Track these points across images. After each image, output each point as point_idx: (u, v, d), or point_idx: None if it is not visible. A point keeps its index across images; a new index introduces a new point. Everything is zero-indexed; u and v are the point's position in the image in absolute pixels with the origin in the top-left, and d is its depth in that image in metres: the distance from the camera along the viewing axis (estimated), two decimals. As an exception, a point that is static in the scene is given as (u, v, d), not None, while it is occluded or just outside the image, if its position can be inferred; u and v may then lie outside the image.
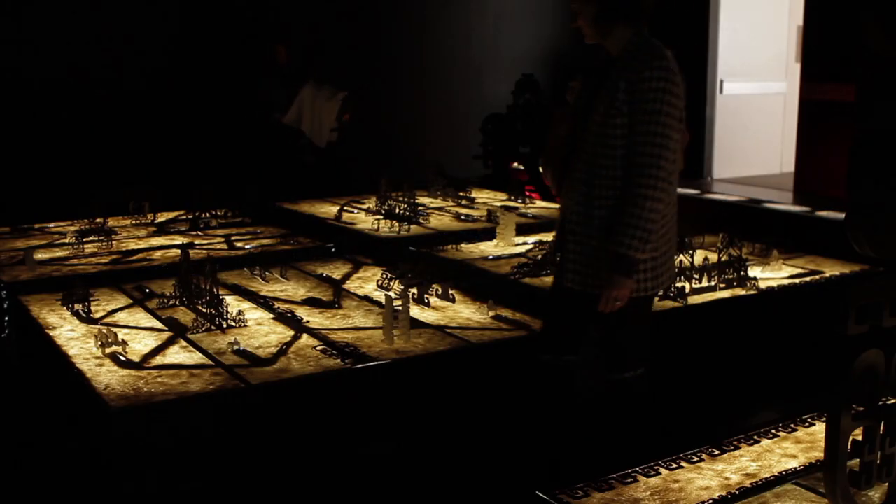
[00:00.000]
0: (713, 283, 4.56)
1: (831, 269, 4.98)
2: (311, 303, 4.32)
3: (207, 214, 6.21)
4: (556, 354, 3.29)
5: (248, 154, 7.87)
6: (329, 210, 6.65)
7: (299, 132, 8.06)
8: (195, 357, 3.56)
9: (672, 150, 2.91)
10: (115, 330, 3.73)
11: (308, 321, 4.04)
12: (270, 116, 8.02)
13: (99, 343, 3.62)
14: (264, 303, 4.30)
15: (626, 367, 3.20)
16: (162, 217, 6.25)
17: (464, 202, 6.97)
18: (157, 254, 5.21)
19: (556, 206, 7.02)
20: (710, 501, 2.52)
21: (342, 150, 8.18)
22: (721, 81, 10.18)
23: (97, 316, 4.09)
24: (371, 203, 6.79)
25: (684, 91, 2.99)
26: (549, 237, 5.50)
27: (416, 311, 4.14)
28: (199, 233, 5.85)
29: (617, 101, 2.93)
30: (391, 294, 4.31)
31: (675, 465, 2.75)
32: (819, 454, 2.68)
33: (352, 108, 8.14)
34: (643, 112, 2.90)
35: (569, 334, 3.29)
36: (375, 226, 5.93)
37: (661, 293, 3.66)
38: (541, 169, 3.37)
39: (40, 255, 5.14)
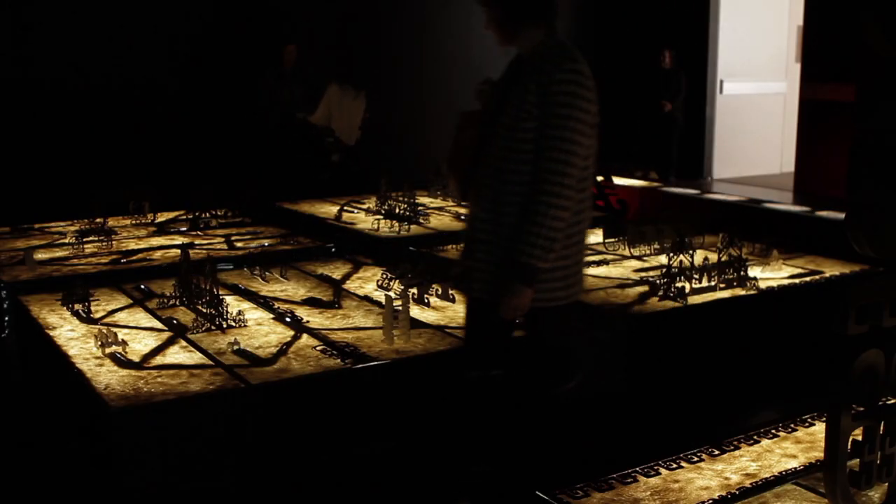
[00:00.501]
0: (713, 283, 4.56)
1: (831, 269, 4.98)
2: (311, 303, 4.32)
3: (207, 214, 6.21)
4: (483, 370, 3.07)
5: (264, 154, 7.92)
6: (329, 210, 6.65)
7: (326, 130, 8.18)
8: (195, 357, 3.56)
9: (582, 156, 2.77)
10: (115, 330, 3.73)
11: (308, 321, 4.03)
12: (295, 116, 8.12)
13: (99, 343, 3.62)
14: (264, 303, 4.30)
15: (555, 380, 3.02)
16: (162, 217, 6.25)
17: (464, 202, 6.96)
18: (157, 254, 5.21)
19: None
20: (710, 501, 2.52)
21: (366, 148, 8.36)
22: (721, 81, 10.18)
23: (97, 316, 4.09)
24: (371, 203, 6.79)
25: (596, 95, 2.86)
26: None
27: (416, 311, 4.14)
28: (199, 233, 5.85)
29: (526, 104, 2.79)
30: (391, 294, 4.31)
31: (675, 465, 2.75)
32: (819, 454, 2.68)
33: (367, 107, 8.33)
34: (552, 116, 2.76)
35: (491, 348, 3.08)
36: (375, 226, 5.93)
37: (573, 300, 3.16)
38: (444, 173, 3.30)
39: (40, 255, 5.14)
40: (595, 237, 5.74)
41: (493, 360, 3.08)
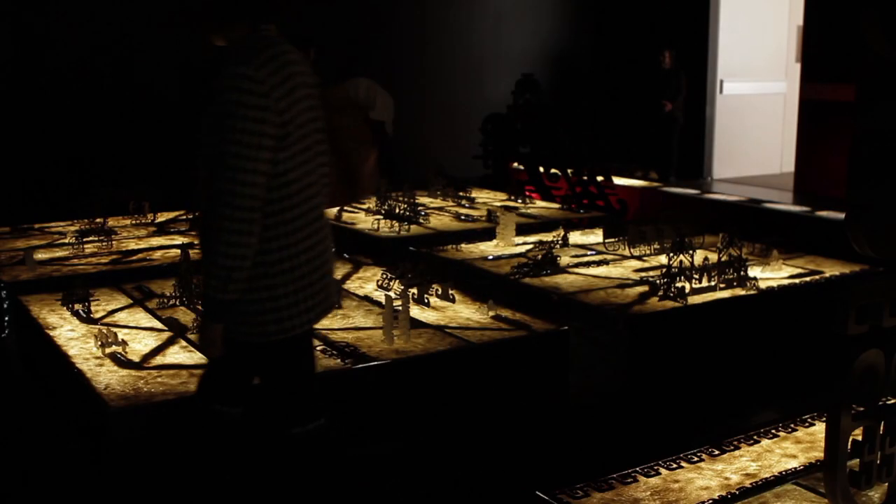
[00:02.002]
0: (713, 283, 4.56)
1: (831, 269, 4.98)
2: (311, 303, 4.32)
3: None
4: (225, 404, 2.78)
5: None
6: (329, 210, 6.64)
7: (378, 125, 8.39)
8: (195, 357, 3.55)
9: (261, 172, 2.39)
10: (115, 330, 3.73)
11: (308, 321, 4.03)
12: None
13: (99, 343, 3.62)
14: (264, 303, 4.29)
15: (291, 422, 2.72)
16: (162, 217, 6.25)
17: (464, 202, 6.97)
18: (157, 254, 5.21)
19: (557, 206, 7.05)
20: (710, 501, 2.52)
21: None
22: (721, 81, 10.19)
23: (97, 316, 4.09)
24: (371, 203, 6.79)
25: (290, 101, 2.48)
26: (549, 237, 5.51)
27: (416, 311, 4.14)
28: (199, 233, 5.84)
29: (206, 115, 2.48)
30: (391, 294, 4.31)
31: (675, 465, 2.75)
32: (819, 454, 2.68)
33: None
34: (218, 129, 2.41)
35: (230, 383, 2.81)
36: (375, 226, 5.93)
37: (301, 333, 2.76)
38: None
39: (40, 255, 5.14)
40: (595, 237, 5.74)
41: (233, 397, 2.80)
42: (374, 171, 2.95)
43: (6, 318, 4.62)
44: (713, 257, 4.83)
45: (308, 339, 2.75)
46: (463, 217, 6.35)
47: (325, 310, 2.71)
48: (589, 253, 5.31)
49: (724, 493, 2.56)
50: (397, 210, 6.32)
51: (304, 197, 2.54)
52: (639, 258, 5.20)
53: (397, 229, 5.85)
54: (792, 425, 3.03)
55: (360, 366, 3.50)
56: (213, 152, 2.43)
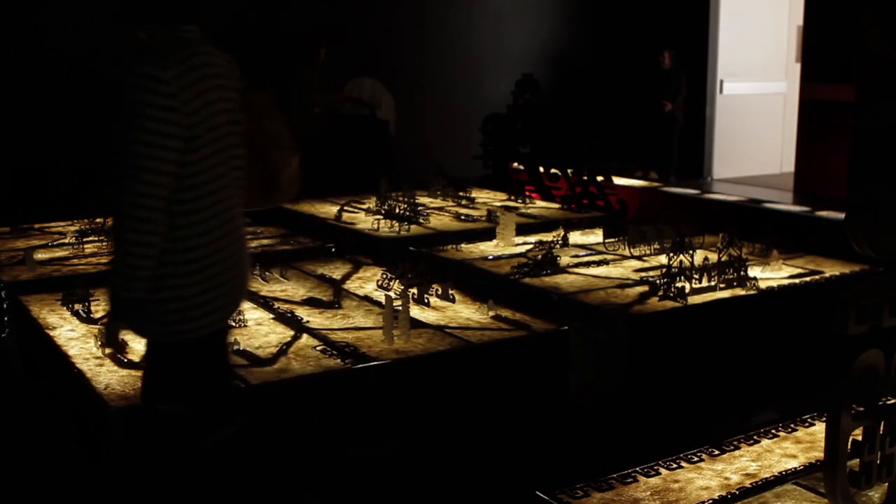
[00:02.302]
0: (713, 283, 4.56)
1: (831, 269, 4.98)
2: (311, 303, 4.32)
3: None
4: (169, 403, 2.75)
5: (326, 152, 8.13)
6: (329, 210, 6.65)
7: (384, 123, 8.57)
8: (195, 357, 3.55)
9: (164, 172, 2.42)
10: (115, 330, 3.72)
11: (308, 321, 4.04)
12: (371, 112, 8.58)
13: (99, 343, 3.62)
14: (264, 303, 4.30)
15: (206, 427, 2.71)
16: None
17: (464, 202, 6.97)
18: (157, 254, 5.21)
19: (557, 206, 7.05)
20: (710, 501, 2.52)
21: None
22: (721, 81, 10.19)
23: (97, 316, 4.08)
24: (371, 203, 6.79)
25: (198, 103, 2.48)
26: (549, 237, 5.51)
27: (416, 311, 4.14)
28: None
29: (116, 114, 2.49)
30: (391, 294, 4.31)
31: (675, 465, 2.75)
32: (819, 454, 2.68)
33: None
34: (124, 128, 2.43)
35: (168, 382, 2.77)
36: (375, 226, 5.93)
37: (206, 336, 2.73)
38: None
39: (40, 255, 5.14)
40: (595, 237, 5.74)
41: (177, 393, 2.76)
42: (295, 177, 2.92)
43: (6, 318, 4.62)
44: (713, 257, 4.83)
45: (219, 339, 2.74)
46: (463, 217, 6.35)
47: (234, 310, 2.74)
48: (589, 253, 5.31)
49: (724, 493, 2.56)
50: (397, 210, 6.32)
51: (215, 199, 2.56)
52: (639, 258, 5.20)
53: (397, 229, 5.85)
54: (792, 425, 3.03)
55: (360, 366, 3.50)
56: (119, 151, 2.44)
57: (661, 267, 4.76)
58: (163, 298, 2.52)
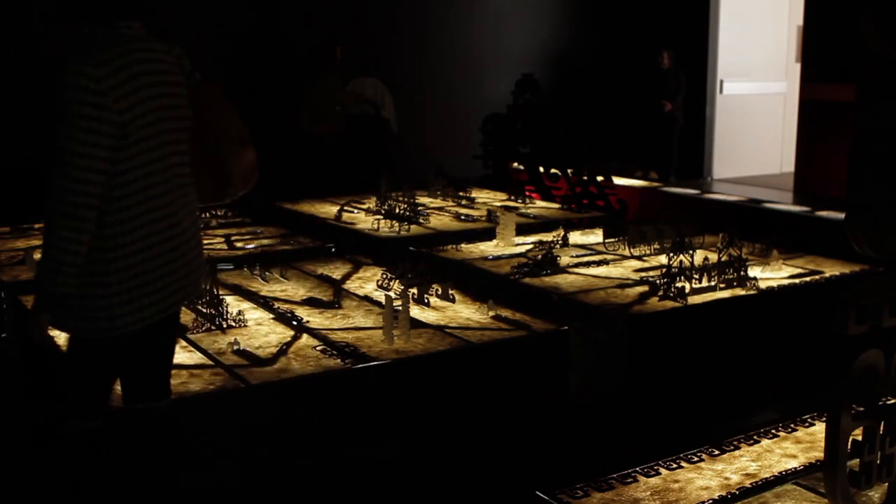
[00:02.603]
0: (713, 283, 4.56)
1: (831, 269, 4.98)
2: (311, 303, 4.32)
3: (207, 214, 6.21)
4: (146, 401, 2.88)
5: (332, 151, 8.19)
6: (329, 210, 6.65)
7: (386, 122, 8.67)
8: (195, 357, 3.56)
9: (96, 170, 2.42)
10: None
11: (308, 321, 4.04)
12: (378, 112, 8.65)
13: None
14: (264, 303, 4.30)
15: (67, 414, 2.77)
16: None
17: (464, 202, 6.97)
18: (157, 254, 5.21)
19: (557, 206, 7.05)
20: (710, 501, 2.52)
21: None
22: (721, 81, 10.19)
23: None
24: (371, 203, 6.79)
25: (130, 102, 2.48)
26: (549, 237, 5.51)
27: (416, 311, 4.14)
28: (199, 233, 5.84)
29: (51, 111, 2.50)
30: (391, 294, 4.31)
31: (675, 465, 2.75)
32: (819, 454, 2.68)
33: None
34: (56, 125, 2.44)
35: (142, 378, 2.89)
36: (375, 226, 5.93)
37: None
38: None
39: (40, 256, 5.13)
40: (595, 237, 5.74)
41: (152, 389, 2.88)
42: (250, 170, 2.91)
43: (6, 318, 4.62)
44: (713, 257, 4.83)
45: (146, 338, 2.72)
46: (463, 217, 6.35)
47: (164, 308, 2.69)
48: (589, 253, 5.31)
49: (724, 493, 2.56)
50: (397, 210, 6.32)
51: (146, 196, 2.56)
52: (639, 258, 5.20)
53: (397, 229, 5.85)
54: (792, 425, 3.03)
55: (360, 366, 3.50)
56: (53, 147, 2.45)
57: (661, 267, 4.76)
58: (89, 295, 2.54)
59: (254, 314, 4.12)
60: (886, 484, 2.36)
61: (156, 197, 2.59)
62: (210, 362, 3.50)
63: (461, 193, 7.15)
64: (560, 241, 5.42)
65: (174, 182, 2.65)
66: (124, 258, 2.55)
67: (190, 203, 2.75)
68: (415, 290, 4.39)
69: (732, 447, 2.87)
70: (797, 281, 4.77)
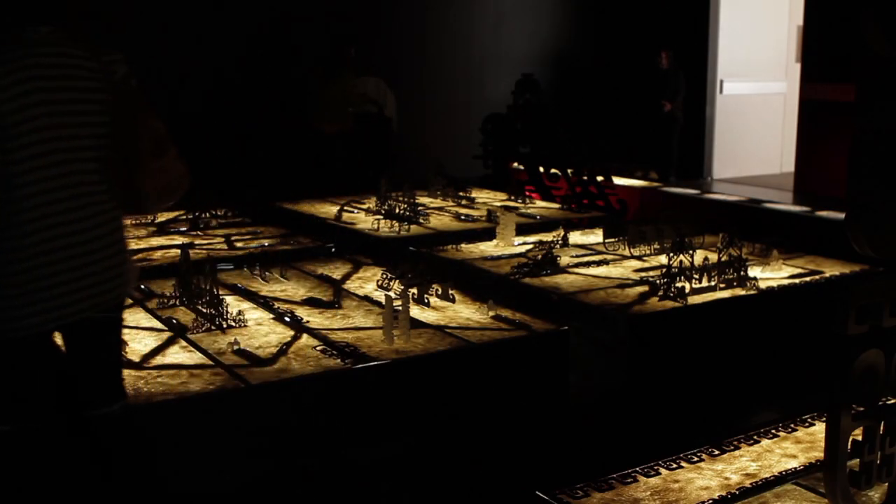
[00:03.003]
0: (713, 283, 4.56)
1: (831, 269, 4.98)
2: (311, 303, 4.32)
3: (207, 214, 6.21)
4: (97, 407, 2.87)
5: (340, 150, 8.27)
6: (329, 210, 6.65)
7: (389, 120, 8.73)
8: (195, 357, 3.56)
9: None
10: (115, 330, 3.72)
11: (308, 321, 4.04)
12: (381, 111, 8.75)
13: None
14: (264, 303, 4.30)
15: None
16: (162, 217, 6.25)
17: (464, 202, 6.97)
18: (157, 254, 5.21)
19: (557, 206, 7.05)
20: (710, 501, 2.52)
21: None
22: (721, 81, 10.19)
23: (97, 316, 4.08)
24: (371, 203, 6.79)
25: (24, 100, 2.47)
26: (549, 237, 5.51)
27: (416, 311, 4.14)
28: (198, 233, 5.85)
29: None
30: (391, 294, 4.31)
31: (675, 465, 2.75)
32: (819, 454, 2.69)
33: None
34: None
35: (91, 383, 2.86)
36: (375, 226, 5.93)
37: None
38: None
39: None
40: (595, 237, 5.75)
41: (102, 394, 2.86)
42: (168, 186, 2.79)
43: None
44: (713, 257, 4.83)
45: (42, 344, 2.68)
46: (463, 217, 6.35)
47: (74, 313, 2.63)
48: (589, 253, 5.31)
49: (724, 493, 2.56)
50: (397, 210, 6.32)
51: (40, 202, 2.51)
52: (639, 258, 5.20)
53: (397, 229, 5.85)
54: (792, 425, 3.03)
55: (360, 366, 3.50)
56: None
57: (661, 267, 4.76)
58: None
59: (254, 314, 4.12)
60: (886, 484, 2.36)
61: (50, 203, 2.53)
62: (210, 362, 3.50)
63: (461, 193, 7.15)
64: (560, 241, 5.42)
65: (78, 189, 2.59)
66: (19, 262, 2.51)
67: (104, 211, 2.66)
68: (415, 290, 4.39)
69: (732, 447, 2.87)
70: (797, 281, 4.77)
